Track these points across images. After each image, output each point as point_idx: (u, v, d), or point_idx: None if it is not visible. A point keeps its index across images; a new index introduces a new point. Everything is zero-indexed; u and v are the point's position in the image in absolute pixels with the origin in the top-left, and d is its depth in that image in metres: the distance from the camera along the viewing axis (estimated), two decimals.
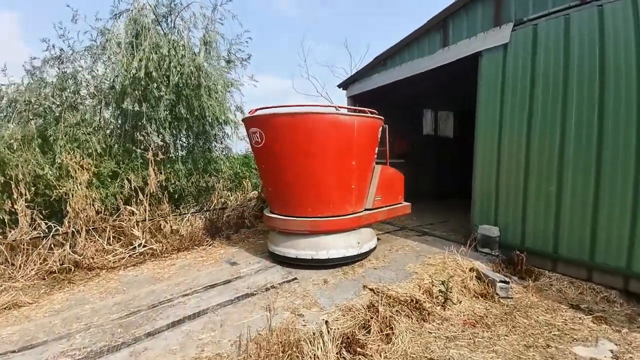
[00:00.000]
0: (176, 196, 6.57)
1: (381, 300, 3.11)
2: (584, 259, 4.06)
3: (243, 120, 4.72)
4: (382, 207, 4.96)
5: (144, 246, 5.11)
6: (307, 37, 36.93)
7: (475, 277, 4.05)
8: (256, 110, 4.34)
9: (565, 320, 3.41)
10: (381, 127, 4.86)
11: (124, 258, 4.92)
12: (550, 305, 3.69)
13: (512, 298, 3.81)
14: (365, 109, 4.59)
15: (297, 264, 4.38)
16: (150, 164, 5.47)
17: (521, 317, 3.46)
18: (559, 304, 3.70)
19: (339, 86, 9.05)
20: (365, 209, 4.72)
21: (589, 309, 3.59)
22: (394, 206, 5.19)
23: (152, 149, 5.55)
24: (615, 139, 3.74)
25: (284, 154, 4.20)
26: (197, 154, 6.91)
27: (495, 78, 4.96)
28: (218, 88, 6.68)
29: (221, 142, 7.53)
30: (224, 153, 7.70)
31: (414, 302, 3.38)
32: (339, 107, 4.39)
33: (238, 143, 7.69)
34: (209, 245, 5.65)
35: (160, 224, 5.58)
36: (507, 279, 3.92)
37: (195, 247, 5.55)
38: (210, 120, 6.66)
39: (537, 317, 3.45)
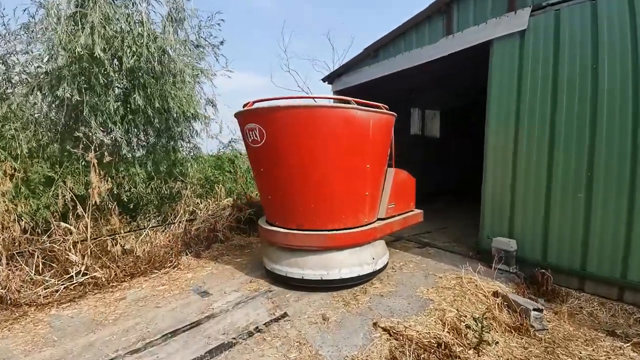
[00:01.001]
0: (131, 206, 5.48)
1: (409, 354, 2.35)
2: (616, 277, 3.60)
3: (237, 114, 3.91)
4: (396, 215, 4.40)
5: (84, 274, 4.02)
6: (287, 27, 35.48)
7: (503, 303, 3.45)
8: (254, 102, 3.68)
9: (608, 352, 2.95)
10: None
11: (57, 291, 3.82)
12: (587, 335, 3.23)
13: (547, 329, 3.26)
14: (379, 104, 3.91)
15: (303, 285, 3.75)
16: (92, 168, 4.38)
17: (564, 354, 2.90)
18: (595, 331, 3.26)
19: (324, 80, 8.28)
20: (378, 219, 4.13)
21: (625, 334, 3.18)
22: (406, 214, 4.63)
23: (94, 148, 4.45)
24: None
25: (290, 155, 3.53)
26: (159, 154, 5.83)
27: (511, 70, 4.42)
28: (185, 77, 5.67)
29: (189, 140, 6.49)
30: (192, 154, 6.66)
31: (441, 346, 2.68)
32: (353, 100, 3.63)
33: (209, 142, 6.68)
34: (173, 268, 4.65)
35: (108, 244, 4.50)
36: (540, 306, 3.35)
37: (156, 270, 4.53)
38: (175, 115, 5.62)
39: (580, 353, 2.94)
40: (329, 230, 3.65)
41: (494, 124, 4.65)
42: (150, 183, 5.73)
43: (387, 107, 4.04)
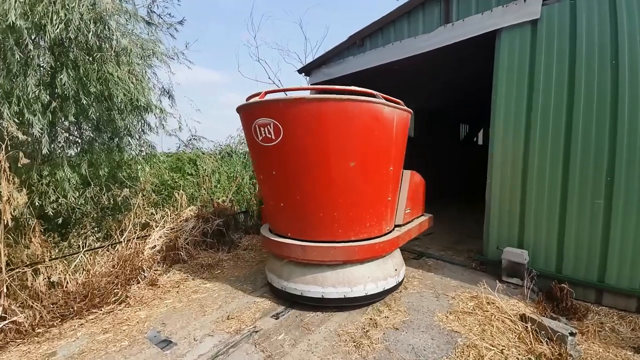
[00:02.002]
0: (60, 221, 4.27)
1: None
2: (635, 288, 3.39)
3: (243, 107, 3.41)
4: (411, 221, 4.16)
5: (2, 318, 2.90)
6: (257, 14, 32.93)
7: (533, 329, 3.02)
8: (265, 93, 3.24)
9: None
10: None
11: None
12: (618, 355, 2.96)
13: (581, 354, 2.91)
14: (395, 99, 3.40)
15: (323, 305, 3.36)
16: (2, 174, 3.19)
17: None
18: (623, 349, 3.04)
19: (300, 71, 7.52)
20: (396, 226, 3.85)
21: None
22: (420, 219, 4.39)
23: (5, 147, 3.26)
24: None
25: (313, 155, 3.10)
26: (99, 154, 4.65)
27: (521, 63, 4.08)
28: (133, 57, 4.57)
29: (139, 136, 5.33)
30: (143, 153, 5.50)
31: None
32: (378, 94, 3.16)
33: (167, 140, 5.60)
34: (120, 303, 3.61)
35: (27, 276, 3.34)
36: (574, 330, 2.98)
37: (96, 308, 3.46)
38: (120, 104, 4.49)
39: None
40: (353, 241, 3.30)
41: (500, 125, 4.28)
42: (86, 190, 4.53)
43: (401, 102, 3.51)
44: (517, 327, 3.08)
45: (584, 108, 3.63)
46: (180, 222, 5.17)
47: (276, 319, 3.24)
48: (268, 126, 3.08)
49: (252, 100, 3.32)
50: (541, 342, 2.89)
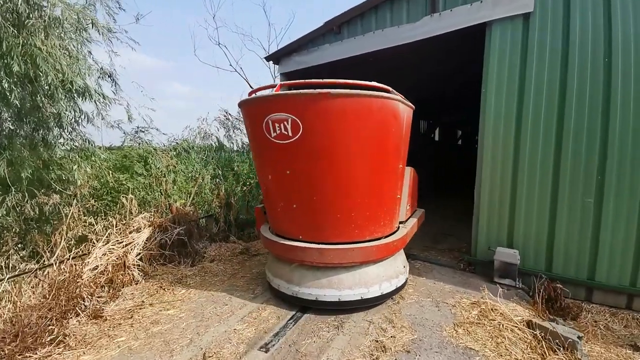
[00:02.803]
0: None
1: None
2: (625, 285, 3.51)
3: (252, 101, 3.25)
4: (411, 216, 4.25)
5: None
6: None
7: (542, 336, 2.92)
8: (281, 86, 3.12)
9: None
10: None
11: None
12: (619, 354, 3.03)
13: (588, 358, 2.89)
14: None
15: (338, 309, 3.29)
16: None
17: None
18: (622, 348, 3.12)
19: (268, 59, 6.90)
20: (400, 222, 3.87)
21: None
22: (416, 214, 4.48)
23: None
24: None
25: (335, 153, 3.02)
26: (20, 150, 3.65)
27: (513, 58, 4.00)
28: (66, 29, 3.65)
29: (73, 128, 4.35)
30: (78, 148, 4.51)
31: None
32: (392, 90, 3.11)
33: (108, 134, 4.70)
34: (59, 344, 2.80)
35: None
36: (579, 333, 2.94)
37: (30, 351, 2.63)
38: (50, 88, 3.55)
39: None
40: (368, 241, 3.29)
41: (490, 122, 4.18)
42: (6, 198, 3.53)
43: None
44: (526, 336, 2.95)
45: (576, 106, 3.64)
46: (130, 233, 4.33)
47: (266, 351, 2.72)
48: (285, 122, 2.92)
49: (262, 93, 3.14)
50: (554, 350, 2.79)
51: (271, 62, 7.00)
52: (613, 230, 3.51)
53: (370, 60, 5.82)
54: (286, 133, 2.96)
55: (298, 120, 2.88)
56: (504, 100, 4.08)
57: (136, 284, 3.96)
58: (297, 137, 2.94)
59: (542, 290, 3.63)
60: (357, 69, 6.04)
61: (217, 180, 6.49)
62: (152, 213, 4.87)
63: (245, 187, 6.61)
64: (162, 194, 5.50)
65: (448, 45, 4.98)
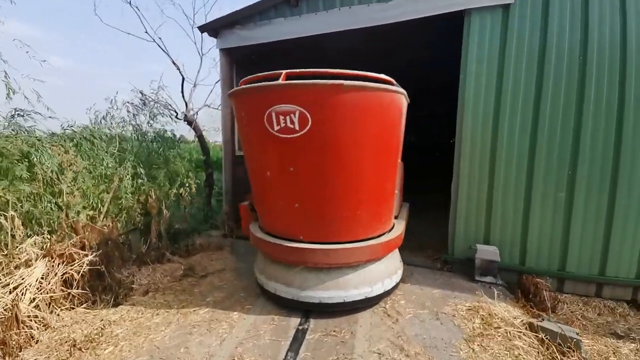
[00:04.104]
0: None
1: None
2: (594, 275, 3.83)
3: (251, 90, 2.91)
4: (401, 210, 4.27)
5: None
6: None
7: (545, 338, 2.92)
8: (286, 75, 2.77)
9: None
10: None
11: None
12: (608, 345, 3.19)
13: (588, 354, 3.01)
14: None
15: (344, 310, 3.27)
16: None
17: None
18: (605, 337, 3.30)
19: (202, 30, 5.72)
20: (395, 217, 3.89)
21: (626, 333, 3.35)
22: (404, 208, 4.47)
23: None
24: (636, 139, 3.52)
25: (347, 149, 2.88)
26: None
27: (491, 51, 3.96)
28: None
29: None
30: None
31: None
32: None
33: None
34: None
35: None
36: (576, 330, 3.05)
37: None
38: None
39: None
40: (372, 239, 3.30)
41: (469, 117, 4.12)
42: None
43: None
44: (533, 341, 2.91)
45: (551, 102, 3.78)
46: (15, 268, 2.95)
47: None
48: (292, 114, 2.73)
49: (280, 82, 2.72)
50: (564, 352, 2.80)
51: (205, 34, 5.84)
52: (583, 222, 3.76)
53: (336, 41, 5.28)
54: (292, 126, 2.77)
55: (307, 113, 2.69)
56: (482, 95, 4.04)
57: (36, 342, 2.70)
58: (304, 130, 2.75)
59: (528, 286, 3.73)
60: (319, 51, 5.43)
61: (140, 180, 5.14)
62: (46, 236, 3.48)
63: (183, 190, 5.41)
64: (58, 205, 4.02)
65: (425, 33, 4.78)
